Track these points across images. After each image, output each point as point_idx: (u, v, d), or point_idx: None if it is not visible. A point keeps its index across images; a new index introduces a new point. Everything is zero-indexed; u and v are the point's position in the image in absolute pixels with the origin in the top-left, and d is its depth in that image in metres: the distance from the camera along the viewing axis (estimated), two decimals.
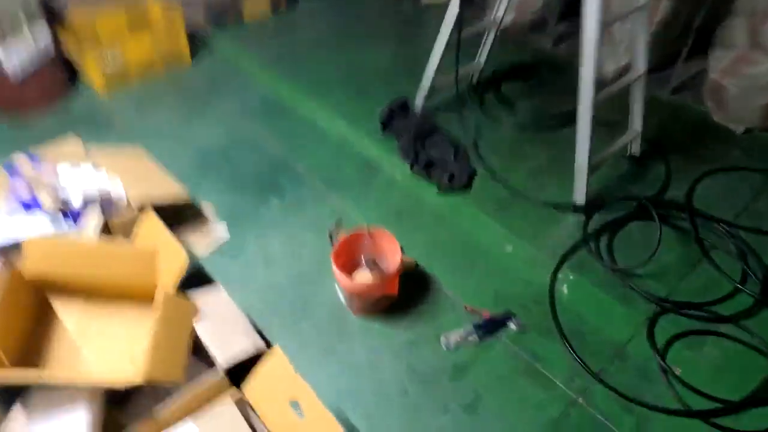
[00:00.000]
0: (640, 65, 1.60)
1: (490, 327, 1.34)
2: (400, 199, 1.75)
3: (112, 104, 2.13)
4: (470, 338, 1.31)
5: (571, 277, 1.48)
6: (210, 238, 1.57)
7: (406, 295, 1.41)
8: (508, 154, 1.90)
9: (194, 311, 1.12)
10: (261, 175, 1.81)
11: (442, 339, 1.33)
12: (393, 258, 1.36)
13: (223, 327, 1.12)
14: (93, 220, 1.32)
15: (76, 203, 1.36)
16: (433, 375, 1.26)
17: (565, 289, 1.45)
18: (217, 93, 2.19)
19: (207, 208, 1.68)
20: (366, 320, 1.37)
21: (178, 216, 1.57)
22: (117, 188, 1.42)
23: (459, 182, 1.76)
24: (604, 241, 1.58)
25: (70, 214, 1.35)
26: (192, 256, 1.46)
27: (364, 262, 1.41)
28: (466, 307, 1.38)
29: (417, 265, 1.51)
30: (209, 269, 1.48)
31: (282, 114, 2.10)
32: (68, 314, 1.15)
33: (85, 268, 1.14)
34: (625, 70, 1.97)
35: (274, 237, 1.59)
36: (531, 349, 1.30)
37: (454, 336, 1.33)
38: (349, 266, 1.40)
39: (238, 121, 2.05)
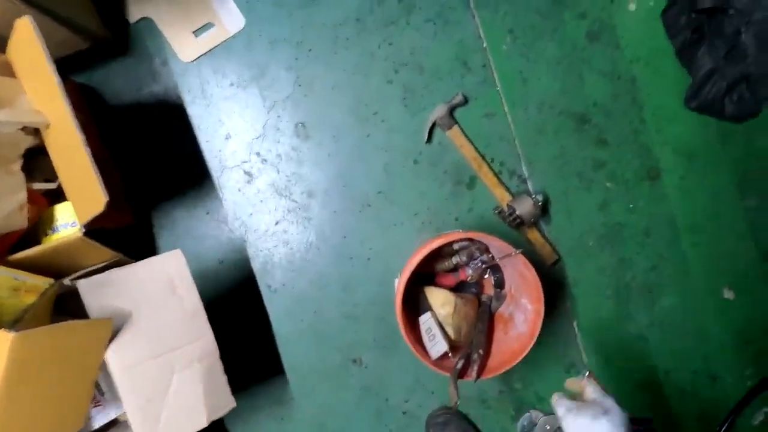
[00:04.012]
0: None
1: None
2: (600, 82, 1.06)
3: None
4: None
5: None
6: (210, 31, 1.02)
7: None
8: None
9: (104, 334, 0.74)
10: None
11: (524, 418, 0.96)
12: (526, 301, 0.89)
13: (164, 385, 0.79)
14: None
15: None
16: None
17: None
18: None
19: None
20: None
21: None
22: None
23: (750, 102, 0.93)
24: None
25: None
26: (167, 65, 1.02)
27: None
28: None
29: (557, 261, 1.07)
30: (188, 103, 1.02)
31: None
32: None
33: None
34: None
35: (322, 66, 1.04)
36: None
37: (544, 422, 0.93)
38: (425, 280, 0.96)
39: None
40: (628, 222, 1.08)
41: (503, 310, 0.98)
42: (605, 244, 1.08)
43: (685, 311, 1.11)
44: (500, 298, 0.99)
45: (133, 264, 0.81)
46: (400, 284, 0.83)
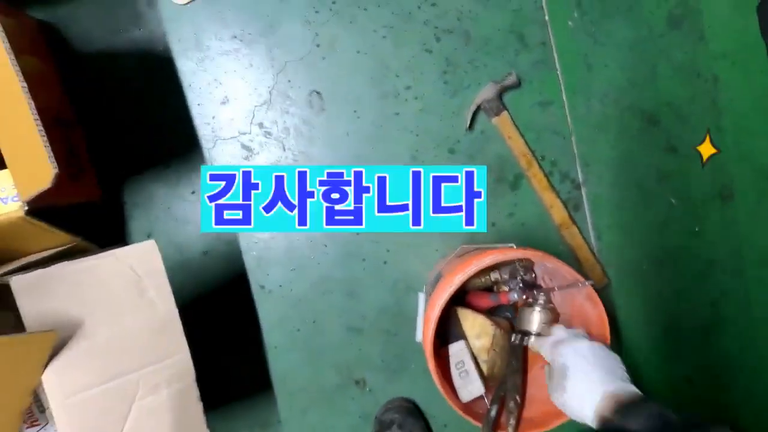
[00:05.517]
0: None
1: None
2: (676, 77, 0.89)
3: None
4: None
5: None
6: None
7: None
8: None
9: (42, 351, 0.55)
10: None
11: None
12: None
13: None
14: None
15: None
16: None
17: None
18: None
19: None
20: None
21: None
22: None
23: None
24: None
25: None
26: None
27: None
28: None
29: (606, 286, 0.91)
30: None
31: None
32: None
33: None
34: None
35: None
36: None
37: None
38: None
39: None
40: (690, 247, 0.93)
41: None
42: (661, 271, 0.92)
43: (739, 357, 0.96)
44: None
45: (89, 257, 0.62)
46: (432, 307, 0.66)
